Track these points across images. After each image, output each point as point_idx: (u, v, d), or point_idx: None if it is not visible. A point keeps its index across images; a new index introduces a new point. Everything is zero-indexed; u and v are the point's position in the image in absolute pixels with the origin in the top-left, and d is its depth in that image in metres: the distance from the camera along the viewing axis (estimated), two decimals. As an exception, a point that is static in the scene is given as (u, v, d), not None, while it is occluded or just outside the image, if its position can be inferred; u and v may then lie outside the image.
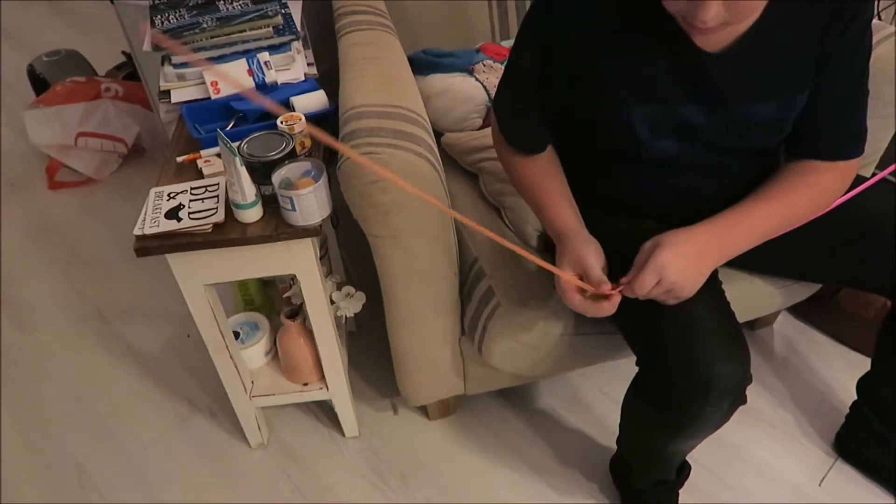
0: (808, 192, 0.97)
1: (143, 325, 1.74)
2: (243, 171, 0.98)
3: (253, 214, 1.03)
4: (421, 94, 1.40)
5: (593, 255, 0.94)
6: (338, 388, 1.34)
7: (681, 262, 0.88)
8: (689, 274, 0.90)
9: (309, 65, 1.35)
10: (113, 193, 2.20)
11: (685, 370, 0.89)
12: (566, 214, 1.01)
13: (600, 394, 1.52)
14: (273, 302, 1.49)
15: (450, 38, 1.58)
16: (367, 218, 1.02)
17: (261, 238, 1.03)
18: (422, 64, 1.44)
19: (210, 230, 1.02)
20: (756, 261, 1.16)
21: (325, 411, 1.51)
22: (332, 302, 1.27)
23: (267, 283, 1.51)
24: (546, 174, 1.06)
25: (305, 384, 1.34)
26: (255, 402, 1.34)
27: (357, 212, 1.02)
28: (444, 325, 1.22)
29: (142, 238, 1.02)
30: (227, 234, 1.03)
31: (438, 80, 1.41)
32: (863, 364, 1.26)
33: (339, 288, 1.28)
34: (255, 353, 1.35)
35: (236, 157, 0.95)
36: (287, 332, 1.28)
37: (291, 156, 1.06)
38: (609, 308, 0.92)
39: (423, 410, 1.49)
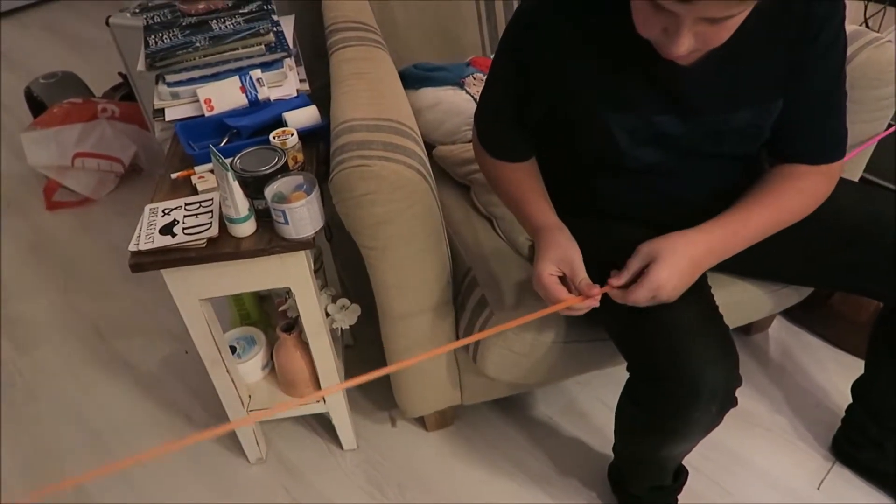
0: (798, 197, 0.99)
1: (141, 343, 1.75)
2: (236, 185, 0.99)
3: (246, 228, 1.05)
4: (412, 107, 1.41)
5: (579, 255, 0.95)
6: (335, 401, 1.34)
7: (676, 280, 0.90)
8: (680, 287, 0.91)
9: (301, 81, 1.37)
10: (110, 212, 2.21)
11: (673, 375, 0.90)
12: (545, 211, 1.03)
13: (597, 402, 1.52)
14: (269, 316, 1.49)
15: (440, 53, 1.60)
16: (359, 230, 1.04)
17: (255, 252, 1.04)
18: (413, 78, 1.46)
19: (204, 245, 1.04)
20: (747, 265, 1.17)
21: (322, 424, 1.51)
22: (328, 315, 1.28)
23: (263, 298, 1.52)
24: (525, 175, 1.08)
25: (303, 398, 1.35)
26: (253, 417, 1.34)
27: (349, 224, 1.04)
28: (439, 335, 1.23)
29: (137, 254, 1.03)
30: (221, 248, 1.04)
31: (430, 94, 1.43)
32: (857, 367, 1.27)
33: (334, 301, 1.29)
34: (251, 367, 1.36)
35: (229, 172, 0.97)
36: (283, 345, 1.29)
37: (284, 170, 1.07)
38: (586, 310, 0.94)
39: (421, 422, 1.50)
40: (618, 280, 0.93)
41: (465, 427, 1.50)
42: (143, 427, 1.55)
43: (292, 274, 1.10)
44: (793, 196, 0.98)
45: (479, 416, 1.51)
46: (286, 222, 1.02)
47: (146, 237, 1.04)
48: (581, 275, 0.93)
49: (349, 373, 1.54)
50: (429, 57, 1.57)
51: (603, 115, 0.96)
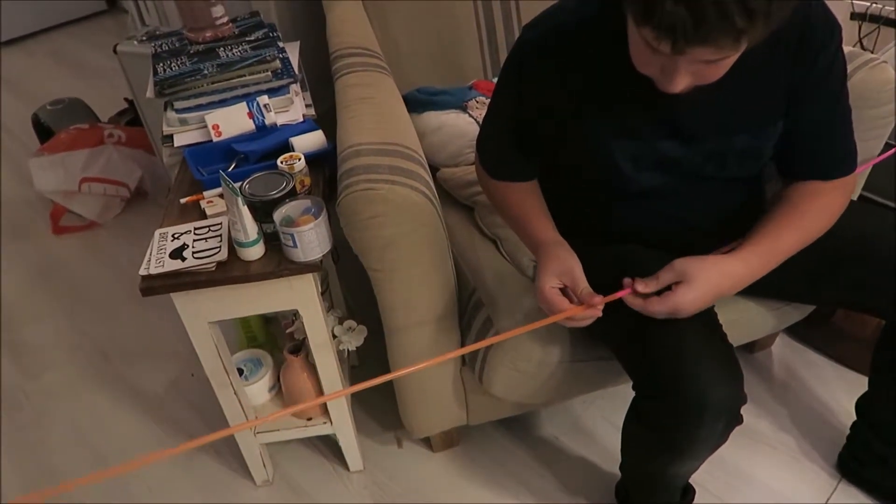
0: (820, 214, 1.00)
1: (147, 366, 1.76)
2: (245, 210, 1.01)
3: (255, 252, 1.06)
4: (417, 131, 1.44)
5: (579, 267, 0.97)
6: (341, 422, 1.35)
7: (699, 304, 0.91)
8: (699, 309, 0.92)
9: (307, 106, 1.39)
10: (116, 236, 2.23)
11: (679, 394, 0.91)
12: (546, 227, 1.05)
13: (603, 420, 1.53)
14: (276, 339, 1.51)
15: (443, 77, 1.63)
16: (366, 252, 1.05)
17: (263, 275, 1.06)
18: (416, 102, 1.49)
19: (214, 269, 1.05)
20: (752, 284, 1.18)
21: (329, 446, 1.51)
22: (335, 336, 1.29)
23: (269, 320, 1.53)
24: (526, 194, 1.11)
25: (309, 419, 1.35)
26: (260, 439, 1.35)
27: (356, 246, 1.05)
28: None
29: (147, 278, 1.04)
30: (230, 271, 1.05)
31: (433, 118, 1.46)
32: (861, 384, 1.28)
33: (340, 322, 1.30)
34: (258, 389, 1.36)
35: (238, 197, 0.99)
36: (290, 367, 1.30)
37: (292, 194, 1.09)
38: (589, 321, 0.95)
39: (427, 443, 1.50)
40: (645, 287, 0.93)
41: (471, 447, 1.50)
42: (148, 450, 1.55)
43: (300, 296, 1.12)
44: (817, 214, 0.99)
45: (485, 436, 1.51)
46: (295, 245, 1.04)
47: (156, 261, 1.06)
48: (582, 285, 0.95)
49: (355, 395, 1.55)
50: (432, 81, 1.60)
51: (606, 143, 0.98)
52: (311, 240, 1.04)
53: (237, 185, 1.06)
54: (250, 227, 1.03)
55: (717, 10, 0.68)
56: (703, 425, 0.91)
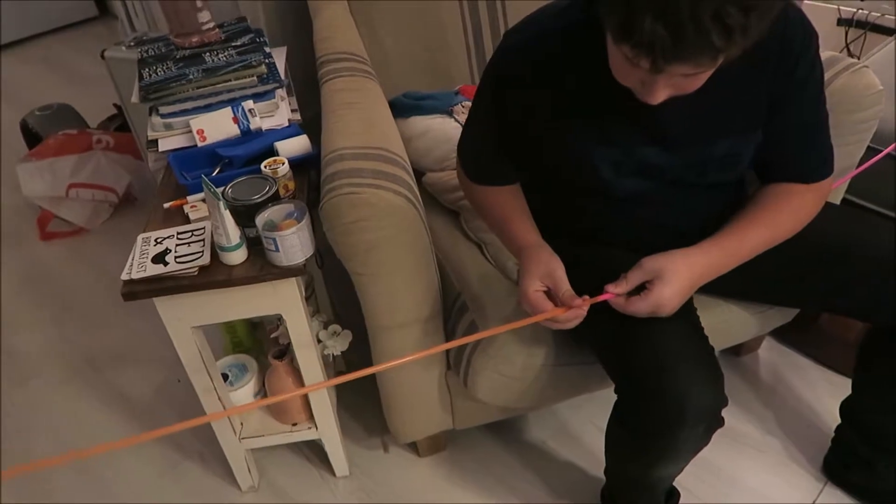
0: (791, 215, 1.01)
1: (134, 372, 1.75)
2: (227, 214, 1.01)
3: (238, 256, 1.06)
4: (402, 135, 1.44)
5: (562, 269, 0.97)
6: (327, 427, 1.35)
7: (678, 299, 0.93)
8: (679, 304, 0.94)
9: (293, 111, 1.39)
10: (104, 242, 2.23)
11: (659, 396, 0.91)
12: (528, 230, 1.06)
13: (589, 424, 1.53)
14: (262, 344, 1.50)
15: (430, 82, 1.63)
16: (349, 257, 1.05)
17: (246, 279, 1.05)
18: (403, 107, 1.49)
19: (196, 273, 1.05)
20: (733, 288, 1.19)
21: (315, 451, 1.51)
22: (319, 341, 1.28)
23: (255, 326, 1.53)
24: (508, 197, 1.11)
25: (294, 424, 1.35)
26: (245, 444, 1.34)
27: (339, 251, 1.05)
28: (428, 362, 1.24)
29: (129, 283, 1.04)
30: (213, 276, 1.05)
31: (419, 122, 1.46)
32: (847, 386, 1.28)
33: (325, 327, 1.30)
34: (244, 394, 1.36)
35: (220, 202, 0.99)
36: (275, 372, 1.30)
37: (275, 198, 1.09)
38: (574, 324, 0.96)
39: (414, 447, 1.50)
40: (615, 287, 0.94)
41: (458, 452, 1.50)
42: (134, 457, 1.55)
43: (283, 301, 1.12)
44: (786, 214, 1.01)
45: (472, 440, 1.51)
46: (277, 250, 1.03)
47: (139, 266, 1.05)
48: (564, 287, 0.95)
49: (341, 400, 1.55)
50: (418, 86, 1.61)
51: (587, 149, 0.99)
52: (294, 244, 1.03)
53: (220, 189, 1.07)
54: (232, 232, 1.03)
55: (695, 29, 0.68)
56: (684, 428, 0.91)
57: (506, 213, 1.09)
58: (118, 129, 2.39)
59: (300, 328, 1.16)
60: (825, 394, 1.56)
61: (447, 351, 1.25)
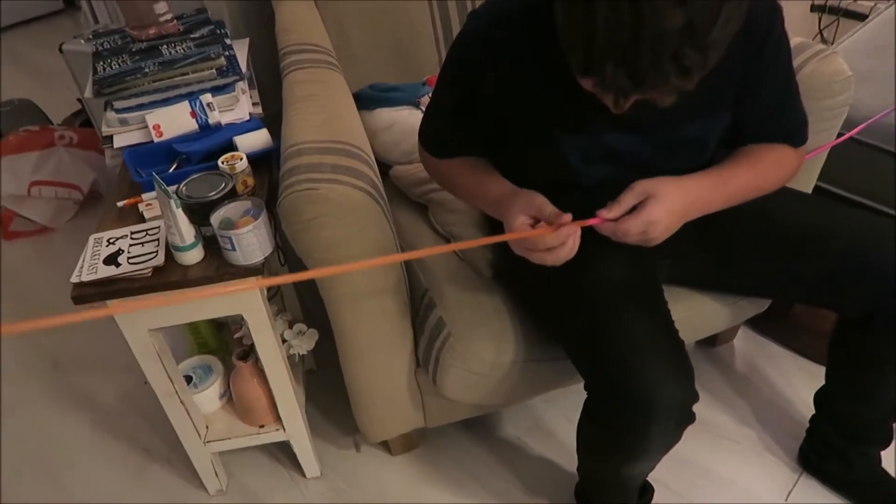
0: (775, 168, 1.01)
1: (100, 375, 1.71)
2: (180, 213, 0.97)
3: (193, 256, 1.02)
4: (368, 129, 1.41)
5: (542, 198, 0.93)
6: (295, 428, 1.31)
7: (669, 221, 0.90)
8: (670, 229, 0.91)
9: (254, 104, 1.35)
10: (70, 241, 2.17)
11: (628, 393, 0.89)
12: (502, 184, 1.02)
13: (564, 420, 1.51)
14: (228, 344, 1.46)
15: (398, 73, 1.59)
16: (308, 255, 1.02)
17: (202, 280, 1.02)
18: (368, 99, 1.45)
19: (150, 274, 1.01)
20: (705, 278, 1.18)
21: (285, 452, 1.48)
22: (285, 340, 1.25)
23: (221, 326, 1.49)
24: (473, 162, 1.08)
25: (262, 426, 1.32)
26: (211, 448, 1.31)
27: (298, 248, 1.02)
28: (398, 359, 1.21)
29: (79, 286, 1.00)
30: (167, 277, 1.02)
31: (385, 115, 1.42)
32: (820, 375, 1.27)
33: (290, 326, 1.26)
34: (208, 396, 1.32)
35: (171, 200, 0.95)
36: (240, 373, 1.26)
37: (231, 195, 1.05)
38: (568, 251, 0.90)
39: (386, 446, 1.47)
40: (609, 212, 0.91)
41: (431, 449, 1.47)
42: (101, 461, 1.51)
43: (243, 301, 1.08)
44: (769, 164, 1.01)
45: (445, 437, 1.48)
46: (234, 249, 1.00)
47: (89, 268, 1.01)
48: (549, 209, 0.91)
49: (312, 398, 1.52)
50: (386, 77, 1.57)
51: (553, 136, 0.96)
52: (251, 242, 1.00)
53: (174, 187, 1.03)
54: (186, 231, 0.99)
55: (654, 72, 0.70)
56: (653, 424, 0.89)
57: (475, 177, 1.06)
58: (83, 124, 2.33)
59: (263, 329, 1.13)
60: (800, 383, 1.55)
61: (416, 348, 1.22)
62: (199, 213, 1.02)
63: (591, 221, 0.91)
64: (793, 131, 1.02)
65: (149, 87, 1.27)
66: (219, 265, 1.03)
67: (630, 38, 0.68)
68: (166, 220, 0.99)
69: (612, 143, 0.96)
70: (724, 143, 1.02)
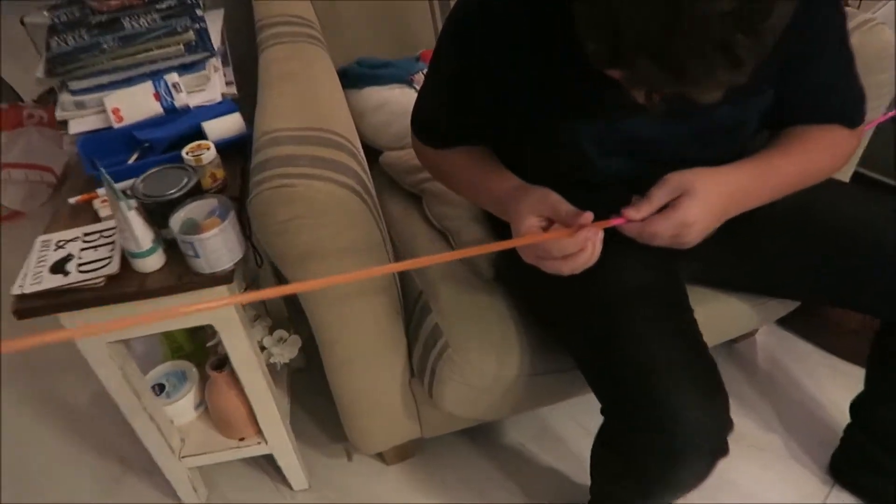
0: (829, 151, 0.89)
1: (74, 377, 1.60)
2: (133, 215, 0.84)
3: (152, 263, 0.89)
4: (355, 109, 1.27)
5: (554, 194, 0.80)
6: (278, 441, 1.20)
7: (707, 221, 0.77)
8: (706, 231, 0.79)
9: (228, 84, 1.22)
10: (43, 227, 2.03)
11: (651, 421, 0.76)
12: (508, 177, 0.89)
13: (573, 424, 1.40)
14: (204, 348, 1.34)
15: (390, 47, 1.45)
16: (283, 261, 0.89)
17: (162, 290, 0.89)
18: (356, 76, 1.31)
19: (102, 284, 0.88)
20: (734, 279, 1.06)
21: (271, 462, 1.36)
22: (264, 348, 1.13)
23: (197, 328, 1.36)
24: (476, 153, 0.95)
25: (242, 439, 1.20)
26: (186, 463, 1.20)
27: (272, 253, 0.89)
28: (390, 368, 1.09)
29: (23, 298, 0.87)
30: (122, 287, 0.89)
31: (374, 94, 1.28)
32: (853, 374, 1.16)
33: (270, 332, 1.14)
34: (183, 407, 1.21)
35: (121, 201, 0.82)
36: (215, 384, 1.14)
37: (195, 192, 0.92)
38: (587, 258, 0.77)
39: (380, 455, 1.36)
40: (637, 212, 0.77)
41: (429, 458, 1.36)
42: (74, 471, 1.40)
43: (213, 312, 0.96)
44: (823, 148, 0.88)
45: (444, 445, 1.37)
46: (197, 255, 0.87)
47: (34, 277, 0.89)
48: (565, 207, 0.78)
49: (300, 401, 1.41)
50: (376, 51, 1.43)
51: (565, 123, 0.83)
52: (217, 247, 0.87)
53: (131, 181, 0.90)
54: (142, 235, 0.86)
55: (697, 65, 0.58)
56: (681, 460, 0.78)
57: (476, 170, 0.93)
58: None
59: (237, 340, 1.01)
60: (829, 383, 1.43)
61: (410, 357, 1.09)
62: (157, 213, 0.89)
63: (614, 221, 0.78)
64: (849, 109, 0.89)
65: (108, 66, 1.14)
66: (181, 273, 0.90)
67: (666, 25, 0.55)
68: (119, 223, 0.85)
69: (633, 130, 0.83)
70: (765, 125, 0.89)
